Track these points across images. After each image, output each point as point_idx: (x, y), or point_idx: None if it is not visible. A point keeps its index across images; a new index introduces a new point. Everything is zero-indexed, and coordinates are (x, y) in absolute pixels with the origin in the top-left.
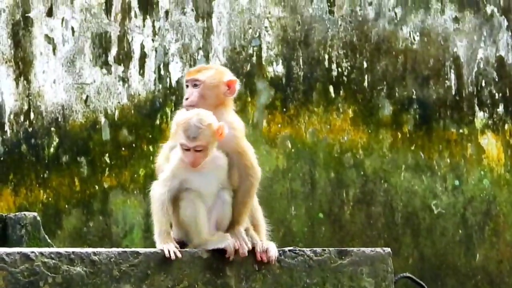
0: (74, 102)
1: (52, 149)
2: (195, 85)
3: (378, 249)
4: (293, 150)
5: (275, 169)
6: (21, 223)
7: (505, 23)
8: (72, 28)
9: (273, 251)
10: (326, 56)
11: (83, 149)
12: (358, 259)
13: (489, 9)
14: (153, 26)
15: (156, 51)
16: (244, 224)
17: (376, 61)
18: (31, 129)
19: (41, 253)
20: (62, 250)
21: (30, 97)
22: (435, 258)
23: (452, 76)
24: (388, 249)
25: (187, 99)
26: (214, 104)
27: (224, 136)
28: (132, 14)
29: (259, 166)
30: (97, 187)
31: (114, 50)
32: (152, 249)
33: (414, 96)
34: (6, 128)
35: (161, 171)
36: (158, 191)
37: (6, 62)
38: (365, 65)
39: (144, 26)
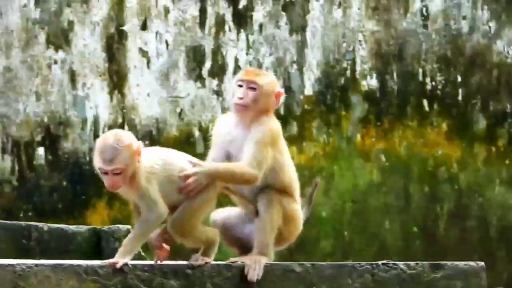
0: (168, 116)
1: None
2: (251, 88)
3: (472, 263)
4: (387, 164)
5: (369, 183)
6: (114, 236)
7: None
8: (166, 42)
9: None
10: (420, 70)
11: None
12: (452, 273)
13: None
14: (247, 40)
15: (250, 64)
16: None
17: (470, 75)
18: None
19: (135, 266)
20: (155, 263)
21: (124, 111)
22: None
23: None
24: (482, 263)
25: (241, 98)
26: (263, 110)
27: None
28: (226, 28)
29: (351, 179)
30: None
31: (208, 64)
32: None
33: (508, 110)
34: None
35: None
36: None
37: (100, 76)
38: (459, 79)
39: (238, 39)
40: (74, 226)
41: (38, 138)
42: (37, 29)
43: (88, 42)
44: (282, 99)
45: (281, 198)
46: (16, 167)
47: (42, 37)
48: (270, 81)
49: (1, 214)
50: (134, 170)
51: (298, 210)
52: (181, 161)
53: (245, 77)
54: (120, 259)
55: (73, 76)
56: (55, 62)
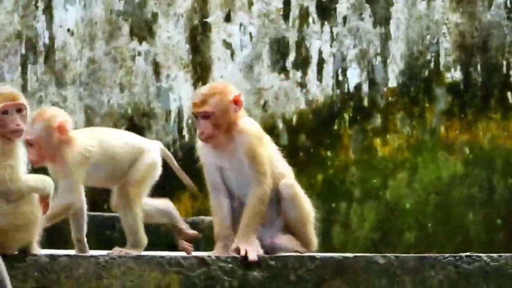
0: (252, 107)
1: None
2: (205, 117)
3: None
4: (470, 156)
5: (453, 175)
6: (198, 227)
7: None
8: (250, 34)
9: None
10: (504, 62)
11: None
12: None
13: None
14: (331, 32)
15: (334, 56)
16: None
17: None
18: None
19: (218, 258)
20: (215, 256)
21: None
22: None
23: None
24: None
25: (202, 133)
26: (229, 124)
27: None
28: (310, 20)
29: (434, 171)
30: None
31: (292, 56)
32: (329, 254)
33: None
34: (185, 133)
35: None
36: None
37: (184, 67)
38: None
39: (322, 31)
40: None
41: (122, 129)
42: (121, 21)
43: (172, 34)
44: (242, 98)
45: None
46: None
47: (126, 29)
48: (218, 98)
49: (87, 205)
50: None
51: None
52: (118, 140)
53: (195, 109)
54: None
55: (157, 68)
56: (139, 54)
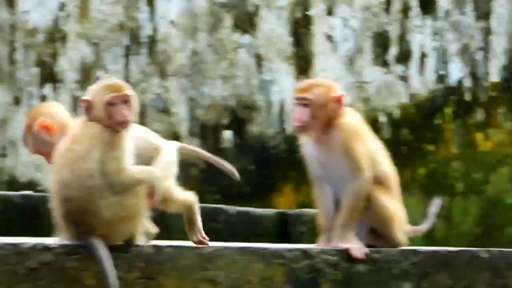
0: (354, 101)
1: None
2: (304, 105)
3: None
4: None
5: None
6: (301, 220)
7: None
8: (352, 27)
9: None
10: None
11: None
12: None
13: None
14: (433, 26)
15: (435, 50)
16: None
17: None
18: None
19: (322, 250)
20: (319, 248)
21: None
22: None
23: None
24: None
25: (296, 119)
26: (326, 120)
27: (51, 129)
28: (412, 13)
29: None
30: None
31: (393, 49)
32: (432, 248)
33: None
34: (287, 125)
35: None
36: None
37: (286, 60)
38: None
39: (423, 25)
40: (261, 209)
41: (225, 121)
42: (223, 13)
43: (274, 27)
44: (345, 100)
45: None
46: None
47: (228, 21)
48: (322, 91)
49: None
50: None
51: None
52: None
53: (296, 94)
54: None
55: (259, 60)
56: (241, 46)
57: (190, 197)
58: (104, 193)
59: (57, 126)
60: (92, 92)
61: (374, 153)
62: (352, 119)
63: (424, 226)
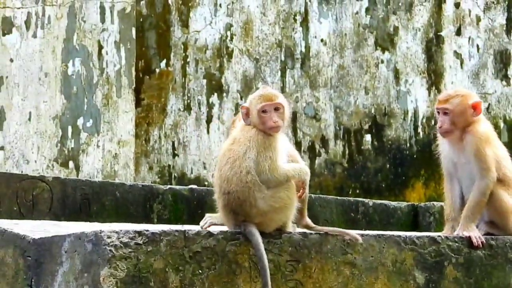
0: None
1: None
2: (445, 113)
3: None
4: None
5: None
6: (430, 212)
7: None
8: (477, 46)
9: None
10: None
11: None
12: None
13: None
14: None
15: None
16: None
17: None
18: None
19: (447, 238)
20: (444, 235)
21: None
22: None
23: None
24: None
25: (440, 127)
26: (465, 125)
27: None
28: None
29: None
30: None
31: None
32: None
33: None
34: (419, 130)
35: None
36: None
37: (420, 74)
38: None
39: None
40: (395, 202)
41: (366, 126)
42: (367, 33)
43: (410, 45)
44: (482, 106)
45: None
46: (347, 151)
47: (371, 40)
48: (459, 101)
49: (334, 191)
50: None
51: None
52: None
53: (438, 105)
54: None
55: (397, 74)
56: (382, 62)
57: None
58: (259, 187)
59: None
60: (249, 100)
61: (500, 157)
62: (484, 127)
63: None
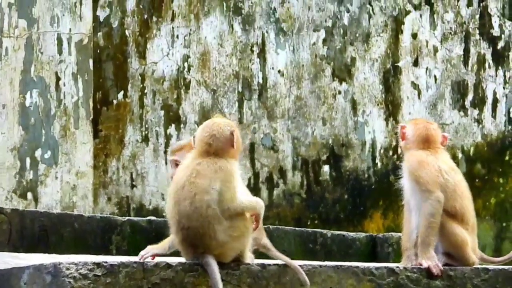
0: None
1: None
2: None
3: None
4: None
5: None
6: (388, 242)
7: None
8: (435, 76)
9: None
10: None
11: None
12: None
13: None
14: (504, 76)
15: (506, 97)
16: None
17: None
18: (398, 161)
19: (405, 268)
20: (402, 266)
21: (397, 135)
22: None
23: None
24: None
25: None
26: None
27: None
28: (487, 65)
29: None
30: None
31: (470, 96)
32: (500, 267)
33: None
34: (377, 160)
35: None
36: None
37: (377, 105)
38: None
39: (496, 75)
40: (354, 233)
41: (324, 157)
42: (324, 64)
43: (367, 76)
44: (446, 140)
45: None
46: (305, 182)
47: (328, 71)
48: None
49: (292, 221)
50: None
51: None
52: None
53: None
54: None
55: (354, 105)
56: (339, 93)
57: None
58: (219, 220)
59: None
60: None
61: (451, 187)
62: (417, 152)
63: (497, 259)
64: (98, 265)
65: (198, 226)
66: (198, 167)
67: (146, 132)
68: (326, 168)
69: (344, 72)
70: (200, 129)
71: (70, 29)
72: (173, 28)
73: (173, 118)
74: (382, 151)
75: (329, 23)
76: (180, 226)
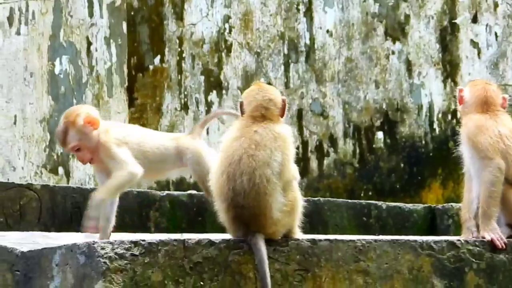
0: None
1: None
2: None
3: None
4: None
5: None
6: (448, 214)
7: None
8: (496, 33)
9: None
10: None
11: None
12: None
13: None
14: None
15: None
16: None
17: None
18: (457, 126)
19: (466, 241)
20: (463, 239)
21: (456, 98)
22: None
23: None
24: None
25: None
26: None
27: (95, 123)
28: None
29: None
30: None
31: None
32: None
33: None
34: (435, 126)
35: None
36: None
37: (434, 65)
38: None
39: None
40: (411, 204)
41: (377, 123)
42: (376, 22)
43: (423, 34)
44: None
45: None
46: (357, 150)
47: (380, 30)
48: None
49: (344, 193)
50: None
51: None
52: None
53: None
54: None
55: (409, 66)
56: (393, 53)
57: None
58: (276, 197)
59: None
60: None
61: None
62: (476, 118)
63: None
64: (135, 243)
65: (255, 206)
66: (256, 136)
67: (185, 99)
68: (380, 135)
69: (397, 31)
70: (251, 93)
71: None
72: None
73: (214, 83)
74: (440, 115)
75: None
76: (233, 203)
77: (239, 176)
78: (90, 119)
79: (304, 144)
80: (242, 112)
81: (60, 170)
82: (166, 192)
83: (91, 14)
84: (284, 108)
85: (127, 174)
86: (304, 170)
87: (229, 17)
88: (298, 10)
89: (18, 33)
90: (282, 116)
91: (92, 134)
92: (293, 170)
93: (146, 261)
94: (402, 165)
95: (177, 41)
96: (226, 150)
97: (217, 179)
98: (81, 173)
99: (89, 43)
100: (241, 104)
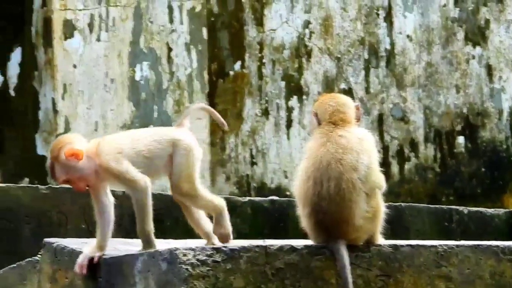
0: None
1: None
2: None
3: None
4: None
5: None
6: None
7: None
8: None
9: None
10: None
11: None
12: None
13: None
14: None
15: None
16: None
17: None
18: None
19: None
20: None
21: None
22: None
23: None
24: None
25: None
26: None
27: (78, 155)
28: None
29: None
30: None
31: None
32: None
33: None
34: None
35: None
36: None
37: None
38: None
39: None
40: (492, 209)
41: (458, 127)
42: (456, 27)
43: (503, 39)
44: None
45: None
46: (439, 155)
47: (460, 34)
48: None
49: (425, 198)
50: (84, 168)
51: None
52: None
53: None
54: None
55: (489, 70)
56: (473, 57)
57: (221, 202)
58: (360, 203)
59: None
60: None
61: None
62: None
63: None
64: (217, 250)
65: (338, 211)
66: (342, 140)
67: (266, 105)
68: (461, 139)
69: (477, 35)
70: (324, 101)
71: None
72: None
73: (295, 89)
74: None
75: None
76: (317, 208)
77: (327, 181)
78: (72, 152)
79: (385, 149)
80: (319, 122)
81: None
82: (248, 198)
83: (171, 20)
84: (359, 112)
85: (141, 193)
86: (385, 175)
87: (309, 22)
88: (378, 15)
89: (98, 39)
90: (358, 120)
91: (78, 166)
92: (379, 178)
93: (228, 268)
94: (483, 169)
95: (258, 46)
96: (313, 156)
97: (303, 184)
98: (162, 179)
99: (170, 49)
100: (316, 114)
